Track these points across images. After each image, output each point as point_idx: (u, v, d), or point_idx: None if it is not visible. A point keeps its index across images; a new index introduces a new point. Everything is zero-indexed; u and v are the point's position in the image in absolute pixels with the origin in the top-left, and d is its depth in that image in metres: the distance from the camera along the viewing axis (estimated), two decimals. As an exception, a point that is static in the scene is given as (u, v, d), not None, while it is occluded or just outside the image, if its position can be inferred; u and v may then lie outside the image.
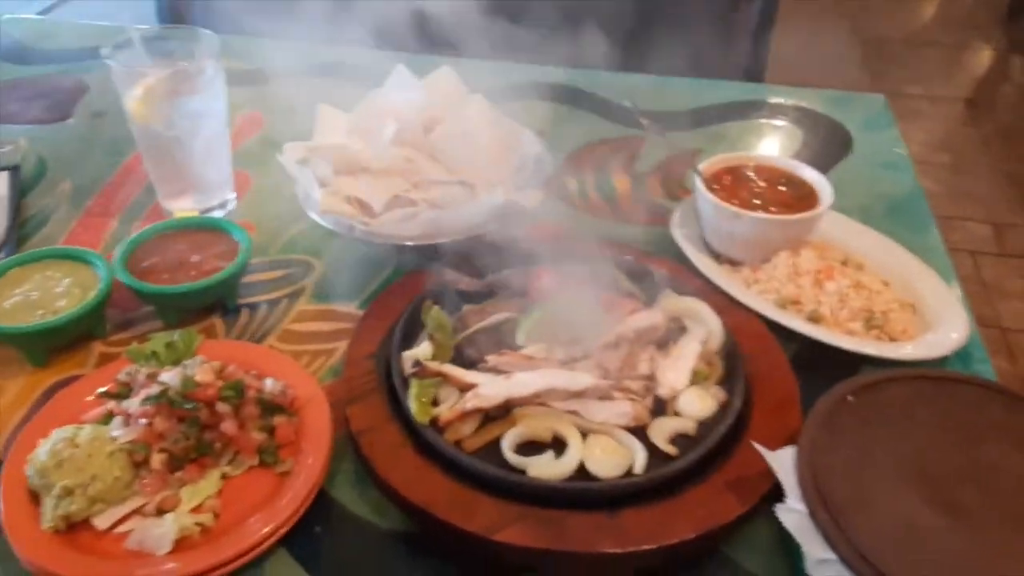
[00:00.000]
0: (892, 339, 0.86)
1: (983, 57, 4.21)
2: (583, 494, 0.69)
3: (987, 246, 2.82)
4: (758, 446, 0.69)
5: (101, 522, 0.65)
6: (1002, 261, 2.75)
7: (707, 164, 0.99)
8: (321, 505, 0.70)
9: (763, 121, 1.30)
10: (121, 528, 0.65)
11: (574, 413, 0.75)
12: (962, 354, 0.87)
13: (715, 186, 0.97)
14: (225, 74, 0.97)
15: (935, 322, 0.88)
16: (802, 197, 0.96)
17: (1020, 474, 0.67)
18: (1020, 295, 2.60)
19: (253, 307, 0.91)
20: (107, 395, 0.74)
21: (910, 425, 0.71)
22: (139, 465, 0.68)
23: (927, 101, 3.70)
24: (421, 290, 0.86)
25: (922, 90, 3.75)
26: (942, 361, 0.84)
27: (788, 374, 0.80)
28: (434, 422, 0.73)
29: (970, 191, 3.09)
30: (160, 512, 0.66)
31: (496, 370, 0.78)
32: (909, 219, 1.08)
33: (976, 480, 0.66)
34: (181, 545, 0.64)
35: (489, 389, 0.74)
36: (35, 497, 0.66)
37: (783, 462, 0.68)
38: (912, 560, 0.60)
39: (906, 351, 0.84)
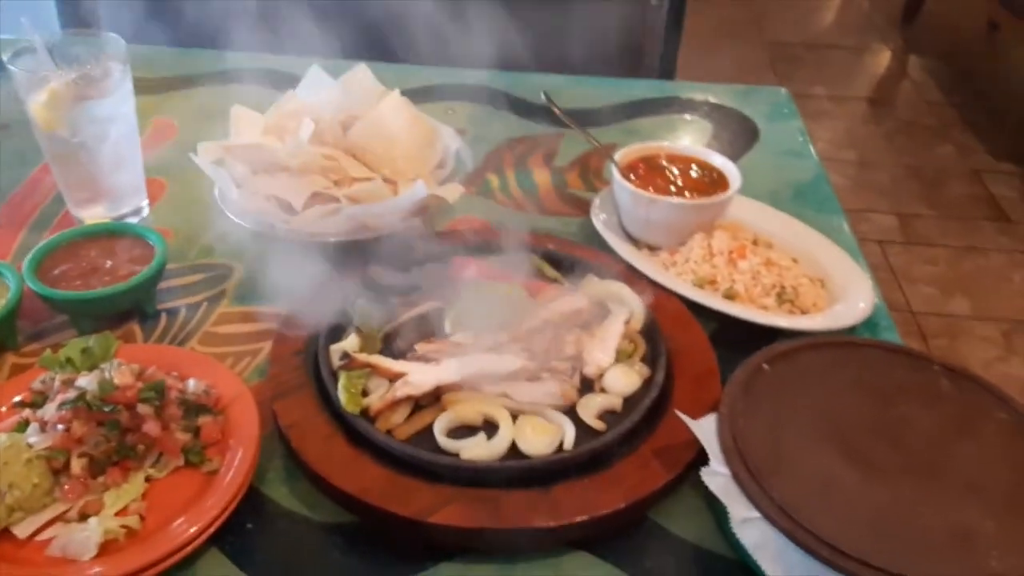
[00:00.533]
0: (803, 312, 0.90)
1: (882, 58, 4.43)
2: (515, 472, 0.70)
3: (893, 235, 2.96)
4: (681, 414, 0.71)
5: (21, 531, 0.63)
6: (908, 249, 2.89)
7: (622, 155, 1.02)
8: (252, 502, 0.69)
9: (674, 116, 1.35)
10: (43, 536, 0.63)
11: (504, 395, 0.76)
12: (870, 324, 0.91)
13: (631, 175, 1.00)
14: (132, 79, 0.95)
15: (843, 295, 0.92)
16: (713, 182, 1.00)
17: (928, 429, 0.71)
18: (926, 280, 2.74)
19: (172, 312, 0.89)
20: (22, 404, 0.71)
21: (823, 388, 0.75)
22: (59, 471, 0.66)
23: (831, 101, 3.86)
24: (346, 287, 0.86)
25: (826, 91, 3.92)
26: (851, 331, 0.88)
27: (707, 349, 0.83)
28: (364, 412, 0.73)
29: (875, 184, 3.24)
30: (83, 517, 0.64)
31: (425, 358, 0.79)
32: (814, 202, 1.13)
33: (887, 436, 0.70)
34: (106, 549, 0.62)
35: (419, 376, 0.75)
36: (-52, 511, 0.63)
37: (706, 429, 0.70)
38: (830, 513, 0.63)
39: (817, 322, 0.88)
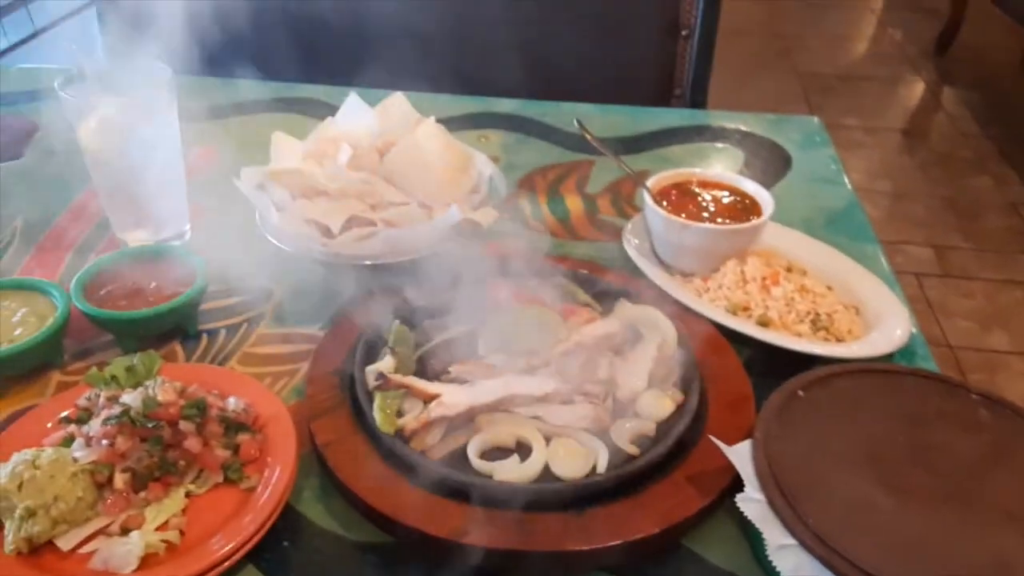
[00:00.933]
0: (838, 340, 0.90)
1: (915, 89, 4.41)
2: (548, 494, 0.70)
3: (930, 268, 2.92)
4: (715, 440, 0.71)
5: (65, 543, 0.64)
6: (944, 282, 2.86)
7: (654, 181, 1.03)
8: (289, 520, 0.70)
9: (706, 144, 1.36)
10: (86, 548, 0.65)
11: (537, 418, 0.76)
12: (907, 353, 0.90)
13: (663, 202, 1.01)
14: (177, 105, 0.98)
15: (878, 323, 0.92)
16: (745, 208, 1.00)
17: (964, 455, 0.70)
18: (963, 314, 2.70)
19: (212, 332, 0.91)
20: (67, 420, 0.73)
21: (858, 415, 0.74)
22: (102, 486, 0.68)
23: (864, 132, 3.85)
24: (382, 309, 0.87)
25: (859, 122, 3.91)
26: (888, 359, 0.87)
27: (741, 375, 0.83)
28: (399, 433, 0.74)
29: (910, 216, 3.21)
30: (125, 531, 0.65)
31: (459, 380, 0.79)
32: (848, 230, 1.13)
33: (923, 462, 0.69)
34: (147, 563, 0.63)
35: (453, 398, 0.76)
36: (-4, 521, 0.65)
37: (740, 455, 0.70)
38: (867, 539, 0.62)
39: (853, 350, 0.87)
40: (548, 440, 0.75)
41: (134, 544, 0.63)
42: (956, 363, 2.50)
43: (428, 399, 0.77)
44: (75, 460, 0.68)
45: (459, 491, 0.69)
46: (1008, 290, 2.81)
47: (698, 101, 1.82)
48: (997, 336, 2.61)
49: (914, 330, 0.92)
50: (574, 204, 1.18)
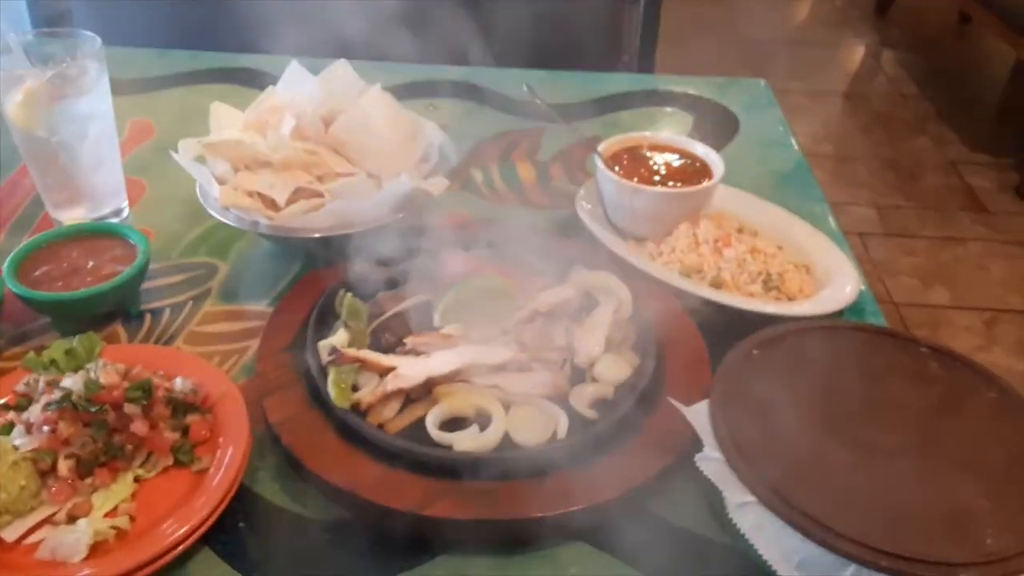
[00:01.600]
0: (790, 298, 0.91)
1: (856, 52, 4.48)
2: (509, 462, 0.69)
3: (873, 227, 2.99)
4: (674, 401, 0.71)
5: (8, 534, 0.62)
6: (888, 240, 2.93)
7: (605, 146, 1.02)
8: (244, 501, 0.69)
9: (655, 109, 1.35)
10: (31, 539, 0.62)
11: (495, 387, 0.75)
12: (856, 309, 0.92)
13: (615, 166, 1.00)
14: (109, 77, 0.94)
15: (828, 281, 0.93)
16: (696, 171, 1.00)
17: (917, 407, 0.72)
18: (907, 271, 2.77)
19: (156, 312, 0.88)
20: (5, 407, 0.70)
21: (812, 371, 0.75)
22: (45, 473, 0.65)
23: (807, 96, 3.90)
24: (332, 283, 0.85)
25: (802, 86, 3.96)
26: (838, 315, 0.89)
27: (696, 337, 0.83)
28: (355, 407, 0.73)
29: (853, 177, 3.27)
30: (72, 520, 0.63)
31: (414, 352, 0.78)
32: (796, 189, 1.14)
33: (878, 417, 0.71)
34: (97, 551, 0.61)
35: (409, 369, 0.74)
36: (-67, 516, 0.62)
37: (698, 415, 0.71)
38: (825, 494, 0.63)
39: (804, 308, 0.88)
40: (507, 408, 0.74)
41: (82, 532, 0.61)
42: (901, 320, 2.57)
43: (383, 372, 0.75)
44: (15, 448, 0.65)
45: (419, 464, 0.68)
46: (949, 247, 2.89)
47: (645, 66, 1.81)
48: (939, 292, 2.68)
49: (863, 287, 0.93)
50: (526, 172, 1.16)
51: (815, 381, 0.74)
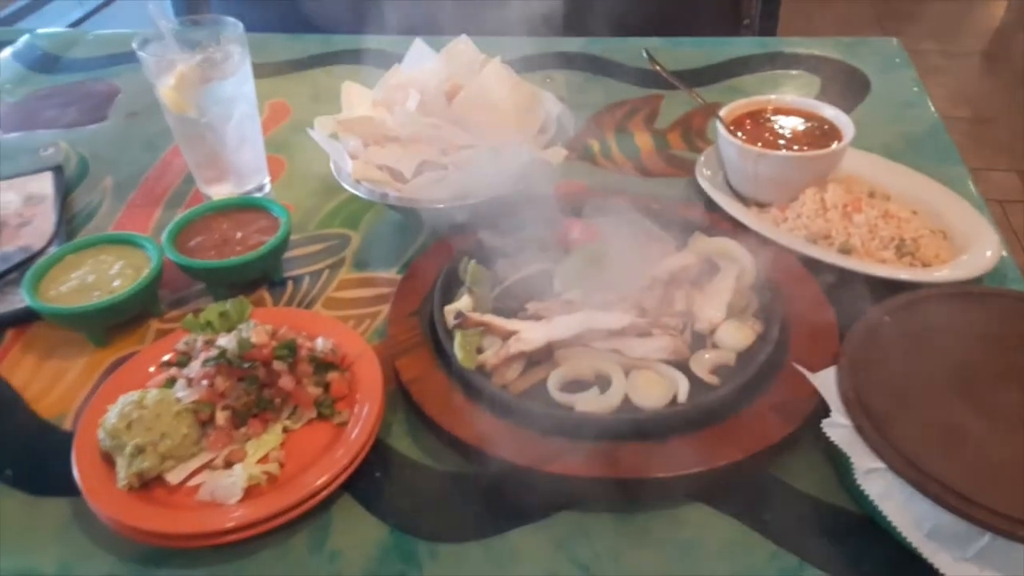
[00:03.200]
0: (925, 265, 0.87)
1: (995, 8, 4.16)
2: (630, 424, 0.70)
3: (1015, 194, 2.79)
4: (799, 367, 0.71)
5: (173, 477, 0.68)
6: (1032, 209, 2.73)
7: (727, 110, 1.01)
8: (379, 453, 0.73)
9: (779, 72, 1.31)
10: (193, 482, 0.68)
11: (615, 351, 0.77)
12: (996, 276, 0.87)
13: (737, 132, 0.98)
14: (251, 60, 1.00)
15: (966, 246, 0.89)
16: (824, 134, 0.97)
17: (1058, 375, 0.68)
18: (1052, 241, 2.58)
19: (297, 279, 0.94)
20: (168, 364, 0.77)
21: (947, 338, 0.72)
22: (205, 423, 0.71)
23: (942, 56, 3.66)
24: (457, 251, 0.88)
25: (937, 45, 3.72)
26: (977, 282, 0.85)
27: (824, 304, 0.81)
28: (480, 369, 0.76)
29: (993, 141, 3.06)
30: (228, 465, 0.69)
31: (536, 316, 0.80)
32: (932, 152, 1.09)
33: (1015, 384, 0.67)
34: (250, 494, 0.67)
35: (531, 333, 0.77)
36: (109, 459, 0.69)
37: (825, 381, 0.70)
38: (957, 461, 0.61)
39: (941, 274, 0.84)
40: (627, 373, 0.75)
41: (238, 476, 0.67)
42: (1047, 294, 2.39)
43: (506, 336, 0.78)
44: (178, 400, 0.71)
45: (541, 422, 0.71)
46: (1101, 214, 2.67)
47: (768, 29, 1.76)
48: (1089, 263, 2.48)
49: (1004, 253, 0.89)
50: (643, 141, 1.16)
51: (950, 348, 0.71)
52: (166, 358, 0.77)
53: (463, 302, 0.82)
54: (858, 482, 0.63)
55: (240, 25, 0.99)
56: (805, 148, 0.95)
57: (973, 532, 0.58)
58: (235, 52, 0.97)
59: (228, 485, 0.67)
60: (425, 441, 0.74)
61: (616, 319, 0.78)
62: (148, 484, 0.68)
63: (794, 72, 1.31)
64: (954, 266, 0.86)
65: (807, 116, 1.00)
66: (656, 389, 0.73)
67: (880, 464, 0.63)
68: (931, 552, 0.59)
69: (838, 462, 0.69)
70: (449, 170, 0.92)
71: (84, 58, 1.47)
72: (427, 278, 0.87)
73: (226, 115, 0.98)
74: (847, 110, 0.99)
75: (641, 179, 1.09)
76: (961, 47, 3.76)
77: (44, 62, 1.47)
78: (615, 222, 0.90)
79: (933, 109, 1.19)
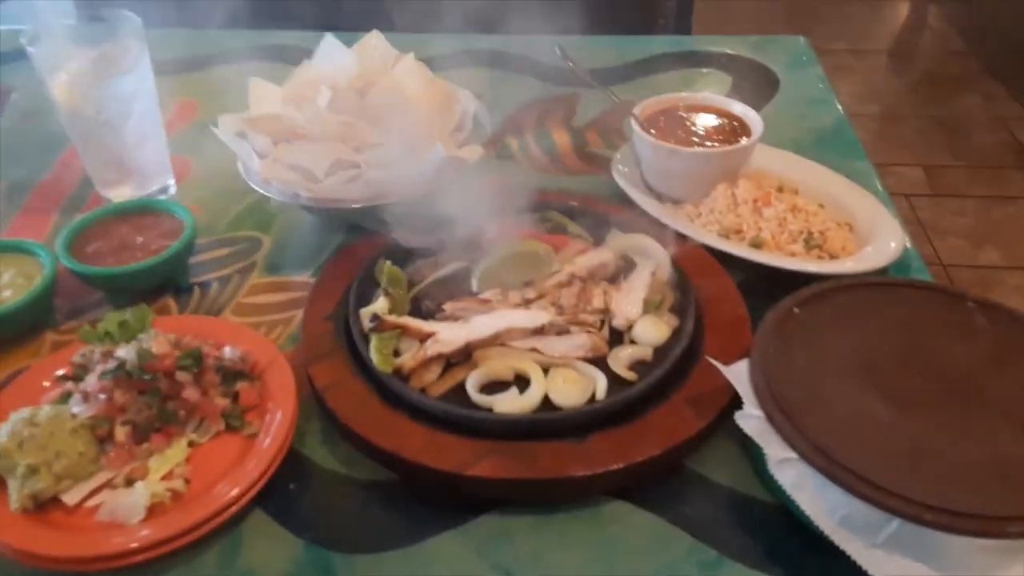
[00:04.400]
0: (833, 257, 0.90)
1: (901, 9, 4.34)
2: (549, 423, 0.70)
3: (920, 188, 2.91)
4: (713, 360, 0.71)
5: (70, 498, 0.65)
6: (936, 201, 2.85)
7: (641, 108, 1.01)
8: (293, 464, 0.71)
9: (692, 70, 1.33)
10: (91, 502, 0.65)
11: (534, 350, 0.76)
12: (901, 266, 0.90)
13: (651, 129, 0.99)
14: (149, 55, 0.96)
15: (871, 238, 0.91)
16: (734, 131, 0.99)
17: (963, 362, 0.70)
18: (956, 232, 2.70)
19: (204, 285, 0.90)
20: (63, 378, 0.73)
21: (855, 328, 0.74)
22: (103, 440, 0.68)
23: (851, 55, 3.80)
24: (372, 252, 0.87)
25: (845, 45, 3.85)
26: (882, 273, 0.87)
27: (736, 297, 0.83)
28: (397, 372, 0.74)
29: (900, 137, 3.19)
30: (130, 483, 0.66)
31: (454, 317, 0.79)
32: (838, 148, 1.12)
33: (922, 371, 0.69)
34: (154, 512, 0.64)
35: (449, 334, 0.76)
36: (0, 481, 0.65)
37: (738, 374, 0.70)
38: (867, 449, 0.62)
39: (847, 266, 0.87)
40: (546, 371, 0.75)
41: (140, 495, 0.64)
42: (950, 281, 2.51)
43: (424, 338, 0.76)
44: (73, 416, 0.68)
45: (460, 425, 0.70)
46: (999, 206, 2.81)
47: (683, 28, 1.79)
48: (989, 252, 2.61)
49: (908, 244, 0.92)
50: (561, 138, 1.16)
51: (857, 337, 0.73)
52: (61, 372, 0.73)
53: (379, 304, 0.80)
54: (771, 472, 0.64)
55: (138, 19, 0.95)
56: (716, 144, 0.96)
57: (883, 518, 0.60)
58: (133, 46, 0.93)
59: (129, 504, 0.63)
60: (341, 450, 0.72)
61: (534, 317, 0.78)
62: (43, 506, 0.65)
63: (706, 70, 1.33)
64: (860, 258, 0.88)
65: (718, 113, 1.01)
66: (575, 387, 0.73)
67: (792, 454, 0.64)
68: (843, 540, 0.61)
69: (752, 453, 0.70)
70: (362, 169, 0.90)
71: (-27, 55, 1.39)
72: (341, 281, 0.85)
73: (125, 112, 0.94)
74: (757, 107, 1.01)
75: (559, 176, 1.08)
76: (868, 46, 3.91)
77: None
78: (532, 219, 0.90)
79: (839, 106, 1.22)
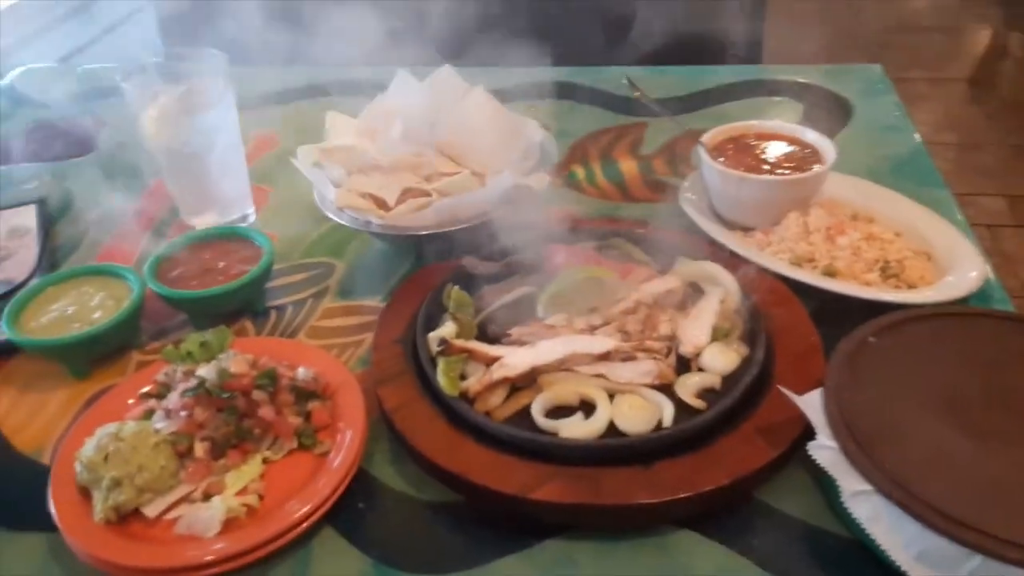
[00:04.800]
0: (910, 286, 0.87)
1: (980, 36, 4.22)
2: (614, 449, 0.70)
3: (1003, 218, 2.81)
4: (784, 390, 0.70)
5: (151, 510, 0.67)
6: (1019, 232, 2.74)
7: (710, 136, 1.01)
8: (362, 483, 0.72)
9: (762, 99, 1.33)
10: (170, 515, 0.67)
11: (600, 376, 0.76)
12: (981, 296, 0.87)
13: (720, 157, 0.99)
14: (233, 90, 1.01)
15: (951, 267, 0.89)
16: (806, 158, 0.97)
17: (1045, 395, 0.68)
18: (1041, 263, 2.59)
19: (280, 309, 0.94)
20: (147, 395, 0.76)
21: (933, 359, 0.72)
22: (183, 455, 0.70)
23: (928, 84, 3.70)
24: (440, 277, 0.88)
25: (923, 73, 3.76)
26: (962, 303, 0.84)
27: (808, 326, 0.81)
28: (463, 395, 0.75)
29: (981, 167, 3.08)
30: (207, 497, 0.68)
31: (520, 342, 0.80)
32: (915, 176, 1.09)
33: (1002, 404, 0.67)
34: (229, 527, 0.66)
35: (514, 359, 0.76)
36: (85, 493, 0.68)
37: (811, 404, 0.69)
38: (945, 482, 0.60)
39: (926, 295, 0.84)
40: (612, 397, 0.74)
41: (216, 509, 0.66)
42: (1037, 316, 2.40)
43: (490, 362, 0.77)
44: (156, 431, 0.70)
45: (525, 448, 0.70)
46: (1088, 237, 2.68)
47: (753, 57, 1.77)
48: (1077, 285, 2.49)
49: (990, 275, 0.89)
50: (628, 167, 1.17)
51: (935, 368, 0.71)
52: (145, 390, 0.77)
53: (446, 328, 0.81)
54: (845, 504, 0.63)
55: (223, 56, 1.00)
56: (787, 172, 0.95)
57: (963, 554, 0.57)
58: (217, 83, 0.98)
59: (206, 518, 0.65)
60: (408, 470, 0.73)
61: (600, 343, 0.78)
62: (125, 518, 0.67)
63: (777, 99, 1.32)
64: (939, 287, 0.86)
65: (789, 141, 1.00)
66: (641, 413, 0.72)
67: (867, 486, 0.62)
68: (921, 575, 0.59)
69: (825, 485, 0.68)
70: (432, 197, 0.92)
71: (72, 92, 1.48)
72: (411, 305, 0.86)
73: (209, 145, 0.98)
74: (830, 135, 1.00)
75: (626, 204, 1.09)
76: (946, 74, 3.81)
77: (33, 98, 1.47)
78: (599, 246, 0.90)
79: (916, 134, 1.19)
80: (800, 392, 0.70)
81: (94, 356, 0.86)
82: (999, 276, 0.91)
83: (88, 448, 0.68)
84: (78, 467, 0.68)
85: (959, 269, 0.88)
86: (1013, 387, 0.68)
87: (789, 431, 0.70)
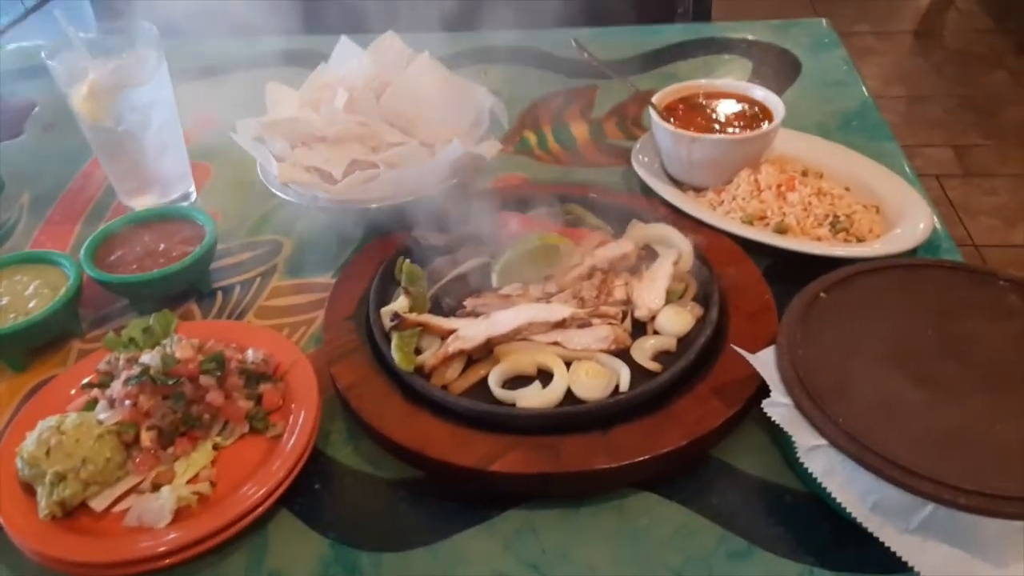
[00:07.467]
0: (860, 240, 0.88)
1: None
2: (572, 417, 0.69)
3: (950, 168, 2.86)
4: (738, 349, 0.70)
5: (98, 504, 0.65)
6: (966, 182, 2.79)
7: (660, 96, 1.00)
8: (318, 463, 0.71)
9: (712, 57, 1.32)
10: (119, 507, 0.65)
11: (555, 344, 0.75)
12: (931, 247, 0.88)
13: (670, 118, 0.98)
14: (168, 64, 0.96)
15: (900, 220, 0.89)
16: (756, 116, 0.97)
17: (995, 344, 0.68)
18: (987, 212, 2.64)
19: (227, 289, 0.91)
20: (89, 385, 0.73)
21: (883, 311, 0.72)
22: (130, 445, 0.68)
23: (875, 37, 3.73)
24: (392, 251, 0.86)
25: (869, 27, 3.79)
26: (911, 255, 0.85)
27: (761, 284, 0.81)
28: (419, 370, 0.74)
29: (928, 118, 3.13)
30: (156, 487, 0.66)
31: (474, 313, 0.79)
32: (864, 130, 1.10)
33: (953, 354, 0.68)
34: (180, 516, 0.64)
35: (469, 331, 0.75)
36: (29, 489, 0.66)
37: (764, 362, 0.69)
38: (899, 434, 0.61)
39: (875, 248, 0.85)
40: (568, 365, 0.74)
41: (166, 499, 0.64)
42: (983, 262, 2.45)
43: (445, 335, 0.76)
44: (100, 422, 0.68)
45: (483, 421, 0.69)
46: (1033, 184, 2.75)
47: (701, 15, 1.77)
48: (1023, 231, 2.56)
49: (937, 225, 0.90)
50: (580, 131, 1.15)
51: (886, 321, 0.71)
52: (87, 380, 0.74)
53: (399, 303, 0.80)
54: (801, 460, 0.63)
55: (155, 29, 0.95)
56: (738, 130, 0.95)
57: (916, 503, 0.58)
58: (150, 56, 0.94)
59: (156, 508, 0.64)
60: (366, 448, 0.72)
61: (556, 311, 0.77)
62: (72, 513, 0.65)
63: (726, 56, 1.31)
64: (888, 240, 0.86)
65: (739, 99, 1.00)
66: (598, 380, 0.72)
67: (822, 441, 0.62)
68: (876, 526, 0.59)
69: (781, 441, 0.69)
70: (380, 169, 0.90)
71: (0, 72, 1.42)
72: (362, 281, 0.85)
73: (145, 122, 0.95)
74: (779, 91, 1.00)
75: (578, 169, 1.08)
76: (893, 27, 3.84)
77: (-45, 78, 1.41)
78: (551, 213, 0.89)
79: (864, 88, 1.20)
80: (754, 350, 0.70)
81: (32, 347, 0.83)
82: (948, 226, 0.92)
83: (29, 443, 0.66)
84: (19, 463, 0.66)
85: (908, 221, 0.88)
86: (963, 336, 0.69)
87: (743, 390, 0.71)
